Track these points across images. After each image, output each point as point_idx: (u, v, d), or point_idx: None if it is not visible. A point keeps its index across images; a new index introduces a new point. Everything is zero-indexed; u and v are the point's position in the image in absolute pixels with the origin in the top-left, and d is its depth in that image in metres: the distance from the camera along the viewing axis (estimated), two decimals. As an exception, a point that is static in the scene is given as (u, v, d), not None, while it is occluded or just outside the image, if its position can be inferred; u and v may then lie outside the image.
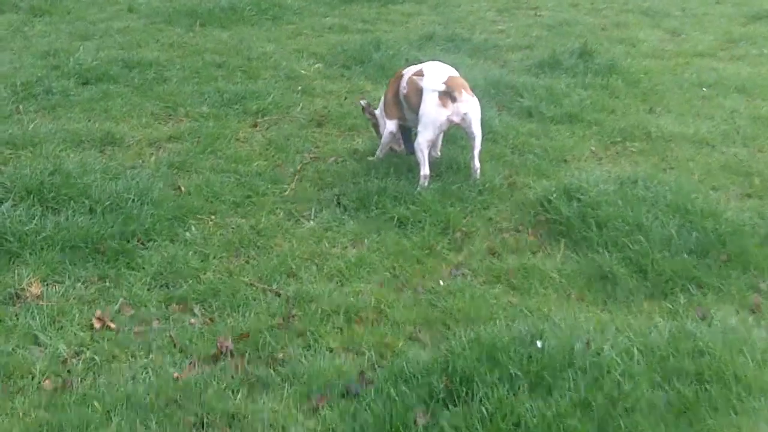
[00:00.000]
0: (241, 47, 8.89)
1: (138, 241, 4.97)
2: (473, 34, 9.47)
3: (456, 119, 5.44)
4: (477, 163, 5.63)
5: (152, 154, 6.22)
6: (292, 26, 9.94)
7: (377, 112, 6.07)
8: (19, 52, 8.62)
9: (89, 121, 6.78)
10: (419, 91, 5.53)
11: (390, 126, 5.89)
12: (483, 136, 5.65)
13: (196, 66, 8.16)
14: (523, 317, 4.21)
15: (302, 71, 8.16)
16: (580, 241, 4.89)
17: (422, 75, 5.58)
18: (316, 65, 8.40)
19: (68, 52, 8.43)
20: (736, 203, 5.34)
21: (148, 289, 4.55)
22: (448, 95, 5.39)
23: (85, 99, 7.24)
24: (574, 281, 4.57)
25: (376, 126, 6.14)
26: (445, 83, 5.42)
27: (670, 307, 4.30)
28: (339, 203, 5.47)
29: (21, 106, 7.00)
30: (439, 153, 6.02)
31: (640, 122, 6.67)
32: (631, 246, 4.66)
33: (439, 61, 6.01)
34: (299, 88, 7.69)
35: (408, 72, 5.79)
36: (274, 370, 3.89)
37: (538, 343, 3.76)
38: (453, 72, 5.65)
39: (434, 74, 5.53)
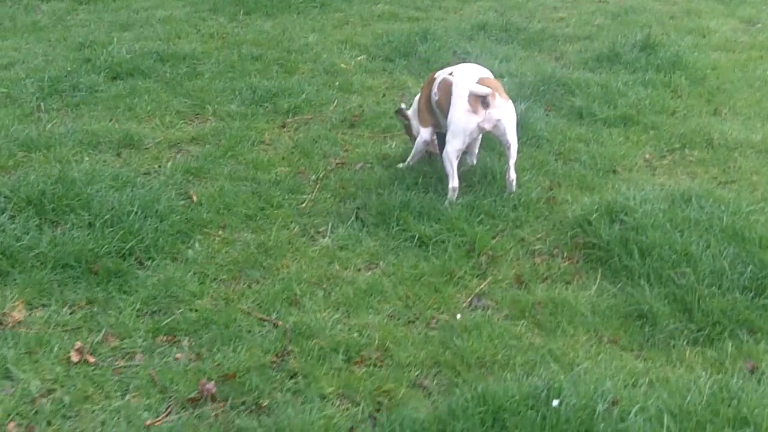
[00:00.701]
0: (283, 38, 8.46)
1: (135, 260, 4.60)
2: (530, 22, 8.85)
3: (488, 126, 4.91)
4: (512, 174, 5.10)
5: (170, 158, 5.84)
6: (340, 14, 9.47)
7: (410, 113, 5.59)
8: (55, 44, 8.36)
9: (111, 120, 6.44)
10: (450, 96, 5.03)
11: (424, 134, 5.40)
12: (520, 143, 5.13)
13: (232, 59, 7.76)
14: (544, 364, 3.69)
15: (342, 65, 7.69)
16: (619, 270, 4.33)
17: (452, 78, 5.07)
18: (359, 58, 7.92)
19: (104, 43, 8.13)
20: (804, 227, 4.69)
21: (138, 316, 4.17)
22: (479, 100, 4.86)
23: (111, 96, 6.91)
24: (609, 320, 4.02)
25: (408, 128, 5.65)
26: (475, 86, 4.89)
27: (716, 356, 3.73)
28: (358, 217, 5.02)
29: (43, 104, 6.70)
30: (475, 161, 5.51)
31: (702, 126, 6.01)
32: (676, 279, 4.08)
33: (480, 60, 5.51)
34: (336, 83, 7.23)
35: (440, 75, 5.28)
36: (257, 420, 3.47)
37: (555, 403, 3.25)
38: (486, 73, 5.12)
39: (464, 77, 5.01)
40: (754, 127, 6.03)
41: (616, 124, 6.14)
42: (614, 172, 5.49)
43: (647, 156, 5.71)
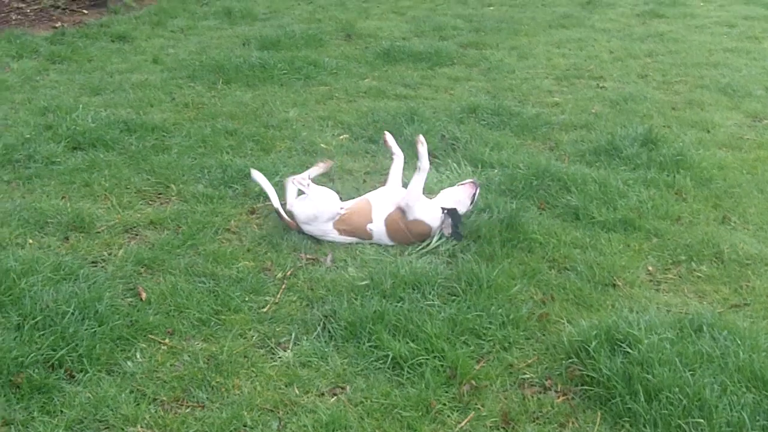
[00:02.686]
0: (261, 111, 7.96)
1: (65, 372, 3.99)
2: (524, 106, 8.38)
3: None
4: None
5: (122, 245, 5.27)
6: (325, 88, 8.98)
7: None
8: (18, 107, 7.82)
9: (63, 198, 5.87)
10: None
11: None
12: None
13: (204, 133, 7.23)
14: None
15: (322, 144, 7.17)
16: (622, 414, 3.74)
17: None
18: (341, 137, 7.42)
19: (69, 109, 7.59)
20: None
21: (58, 446, 3.56)
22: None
23: (68, 169, 6.35)
24: (610, 479, 3.43)
25: None
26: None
27: None
28: (325, 328, 4.44)
29: (-9, 176, 6.15)
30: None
31: (710, 236, 5.47)
32: (688, 432, 3.51)
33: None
34: (314, 165, 6.69)
35: None
36: None
37: None
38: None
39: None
40: (767, 240, 5.50)
41: (616, 228, 5.60)
42: (614, 285, 4.93)
43: (650, 268, 5.16)
